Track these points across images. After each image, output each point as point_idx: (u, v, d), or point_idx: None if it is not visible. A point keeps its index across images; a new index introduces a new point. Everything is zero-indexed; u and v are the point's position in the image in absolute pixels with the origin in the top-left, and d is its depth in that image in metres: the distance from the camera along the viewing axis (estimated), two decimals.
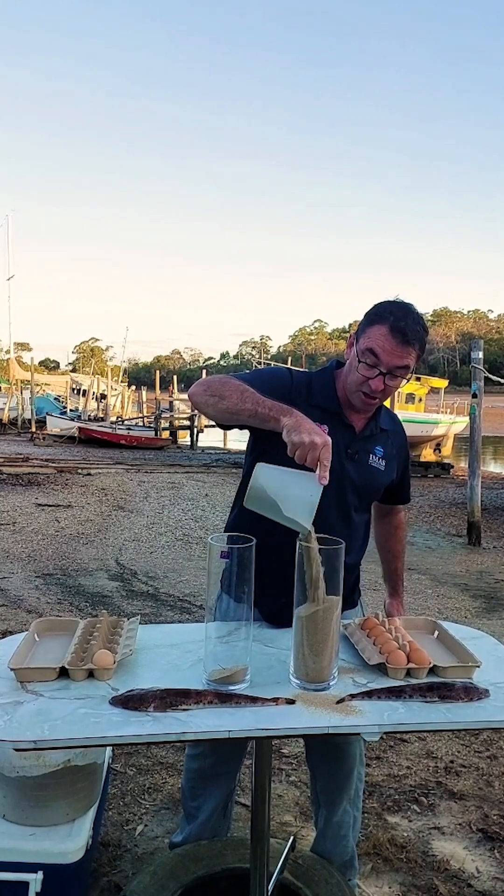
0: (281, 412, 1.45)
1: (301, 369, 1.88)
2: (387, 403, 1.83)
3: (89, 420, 26.48)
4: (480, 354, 8.72)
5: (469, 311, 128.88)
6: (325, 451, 1.37)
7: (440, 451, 22.37)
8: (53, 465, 14.74)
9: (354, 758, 1.88)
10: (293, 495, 1.34)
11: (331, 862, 1.86)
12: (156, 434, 24.25)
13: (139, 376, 76.12)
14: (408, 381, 1.70)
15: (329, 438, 1.39)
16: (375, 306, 1.68)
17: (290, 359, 28.53)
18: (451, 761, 2.87)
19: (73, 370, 65.89)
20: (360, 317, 1.72)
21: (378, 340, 1.61)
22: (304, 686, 1.30)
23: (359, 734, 1.21)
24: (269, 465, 1.38)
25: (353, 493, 1.74)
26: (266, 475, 1.36)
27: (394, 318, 1.61)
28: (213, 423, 1.71)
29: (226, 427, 1.65)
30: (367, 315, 1.68)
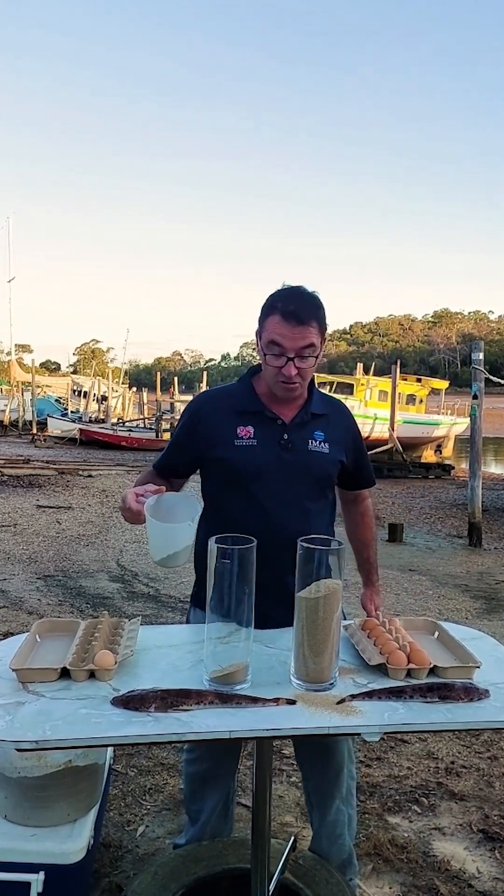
0: (123, 498, 1.62)
1: (221, 385, 1.96)
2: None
3: (90, 422, 26.46)
4: (481, 356, 8.73)
5: (470, 312, 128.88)
6: (127, 501, 1.59)
7: (441, 453, 22.37)
8: (54, 466, 14.74)
9: (343, 756, 1.88)
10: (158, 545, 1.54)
11: (329, 861, 1.86)
12: (157, 435, 24.22)
13: (140, 378, 76.11)
14: (317, 358, 1.71)
15: (127, 492, 1.60)
16: (267, 298, 1.72)
17: None
18: (452, 762, 2.87)
19: (74, 372, 65.98)
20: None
21: (275, 329, 1.66)
22: (305, 686, 1.30)
23: (359, 734, 1.21)
24: (151, 519, 1.51)
25: (299, 483, 1.75)
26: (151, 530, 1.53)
27: (282, 303, 1.66)
28: None
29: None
30: (261, 309, 1.72)
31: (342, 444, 1.84)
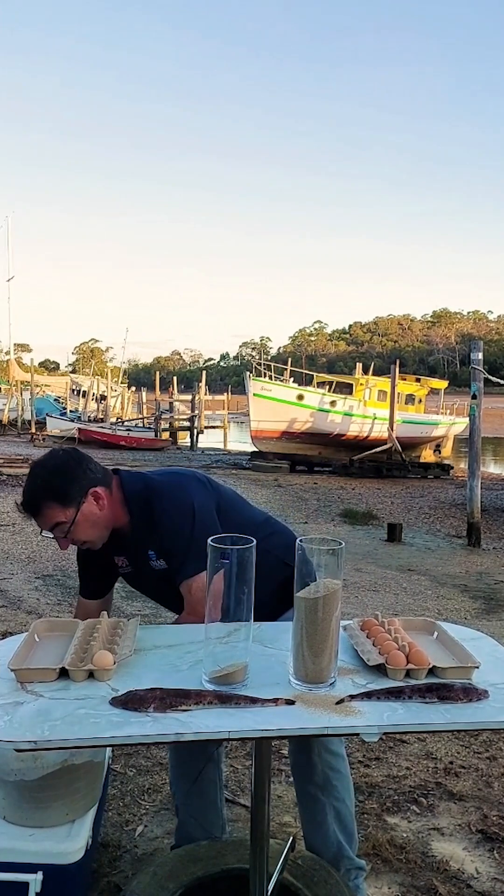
0: None
1: None
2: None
3: (89, 421, 26.49)
4: (480, 355, 8.74)
5: (469, 312, 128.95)
6: None
7: (440, 452, 22.41)
8: None
9: (310, 744, 1.85)
10: None
11: (320, 855, 1.86)
12: (156, 435, 24.25)
13: (139, 377, 76.19)
14: (75, 523, 1.75)
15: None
16: None
17: (289, 360, 28.49)
18: (451, 762, 2.87)
19: (73, 371, 65.87)
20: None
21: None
22: (304, 687, 1.30)
23: (357, 735, 1.21)
24: None
25: (165, 584, 1.85)
26: None
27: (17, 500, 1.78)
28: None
29: None
30: None
31: (160, 548, 1.82)
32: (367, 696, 1.27)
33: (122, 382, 37.24)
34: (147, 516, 1.81)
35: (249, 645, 1.32)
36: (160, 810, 2.45)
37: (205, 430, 26.19)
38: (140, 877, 1.77)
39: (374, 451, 17.78)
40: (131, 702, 1.21)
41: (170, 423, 26.24)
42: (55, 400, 31.96)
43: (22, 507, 1.76)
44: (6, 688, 1.28)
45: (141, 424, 26.84)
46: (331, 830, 1.90)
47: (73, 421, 25.69)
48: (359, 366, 27.15)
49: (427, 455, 21.50)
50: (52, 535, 1.76)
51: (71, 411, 29.21)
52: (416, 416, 21.84)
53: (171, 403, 28.35)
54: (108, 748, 2.12)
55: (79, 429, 23.18)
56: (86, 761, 1.86)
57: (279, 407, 19.34)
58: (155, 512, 1.79)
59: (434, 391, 24.82)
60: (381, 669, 1.37)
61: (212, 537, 1.30)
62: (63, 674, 1.31)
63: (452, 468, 18.04)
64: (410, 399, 22.12)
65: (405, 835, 2.35)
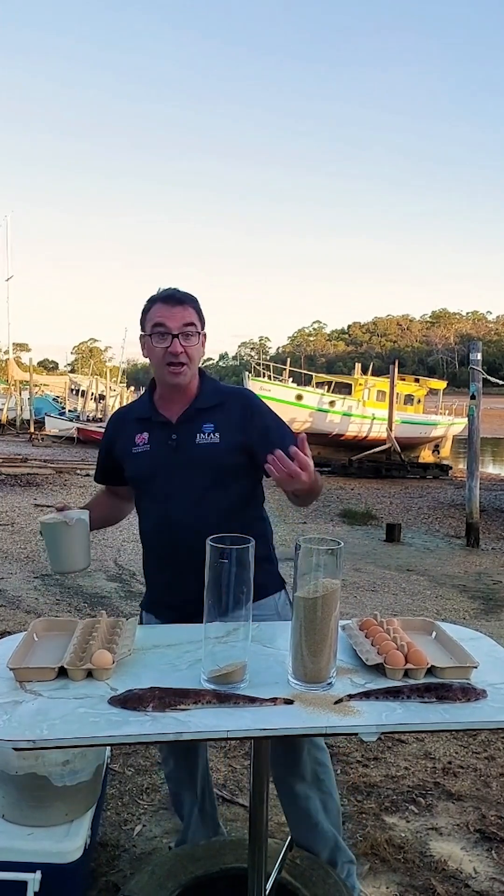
0: None
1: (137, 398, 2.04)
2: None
3: (88, 421, 26.45)
4: (479, 356, 8.75)
5: (468, 313, 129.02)
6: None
7: (439, 453, 22.40)
8: (52, 465, 14.74)
9: (300, 741, 1.84)
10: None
11: (316, 853, 1.86)
12: None
13: (138, 377, 76.07)
14: (201, 341, 1.82)
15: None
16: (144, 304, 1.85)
17: (288, 360, 28.48)
18: (449, 762, 2.87)
19: (72, 371, 65.95)
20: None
21: (157, 313, 1.78)
22: (303, 686, 1.30)
23: (356, 734, 1.21)
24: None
25: (193, 479, 1.79)
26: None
27: (160, 294, 1.82)
28: None
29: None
30: (141, 312, 1.84)
31: (240, 426, 1.83)
32: (366, 695, 1.27)
33: (120, 382, 37.21)
34: (225, 397, 1.87)
35: (248, 644, 1.32)
36: (158, 810, 2.46)
37: None
38: (138, 876, 1.77)
39: (372, 451, 17.78)
40: (130, 701, 1.21)
41: None
42: (54, 399, 31.94)
43: (175, 297, 1.79)
44: (5, 687, 1.28)
45: None
46: (325, 826, 1.89)
47: (71, 420, 25.66)
48: (358, 366, 27.15)
49: (426, 455, 21.50)
50: (175, 333, 1.76)
51: (70, 411, 29.18)
52: (415, 417, 21.84)
53: None
54: (106, 747, 2.12)
55: (77, 428, 23.15)
56: (87, 763, 1.86)
57: (278, 407, 19.22)
58: (241, 395, 1.91)
59: (433, 391, 24.82)
60: (379, 669, 1.37)
61: (212, 537, 1.30)
62: (62, 673, 1.31)
63: (451, 468, 18.05)
64: (409, 399, 22.12)
65: (403, 834, 2.36)
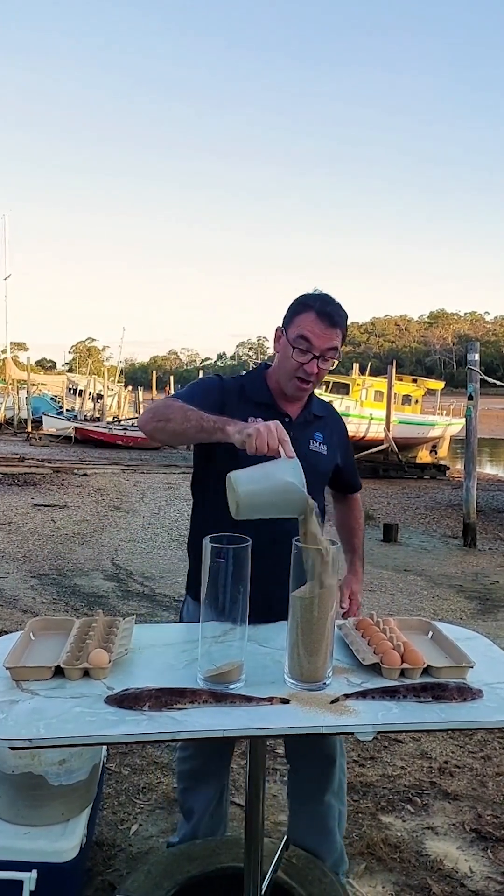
0: (225, 423, 1.51)
1: (234, 376, 1.96)
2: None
3: (85, 420, 26.41)
4: (477, 356, 8.76)
5: (466, 313, 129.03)
6: (278, 430, 1.42)
7: (436, 453, 22.43)
8: (49, 465, 14.72)
9: (334, 749, 1.88)
10: (279, 484, 1.36)
11: (322, 860, 1.87)
12: None
13: (136, 377, 76.11)
14: (336, 362, 1.80)
15: (275, 420, 1.45)
16: (298, 298, 1.77)
17: None
18: (446, 762, 2.88)
19: (70, 370, 65.78)
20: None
21: (308, 326, 1.70)
22: (299, 686, 1.30)
23: (352, 734, 1.21)
24: (239, 470, 1.39)
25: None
26: (245, 479, 1.36)
27: (318, 304, 1.72)
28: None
29: (174, 446, 1.76)
30: (292, 306, 1.76)
31: (338, 447, 1.92)
32: (362, 695, 1.27)
33: (118, 381, 37.16)
34: (327, 412, 1.93)
35: (245, 644, 1.32)
36: (155, 809, 2.46)
37: None
38: (135, 875, 1.77)
39: (370, 451, 17.77)
40: (126, 700, 1.21)
41: None
42: (52, 399, 31.88)
43: (332, 318, 1.71)
44: (1, 686, 1.28)
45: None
46: (337, 836, 1.93)
47: (69, 420, 25.61)
48: (356, 366, 27.13)
49: (423, 456, 21.51)
50: (318, 355, 1.71)
51: (67, 410, 29.12)
52: (413, 417, 21.86)
53: None
54: (103, 747, 2.12)
55: (75, 428, 23.12)
56: (83, 762, 1.86)
57: None
58: (338, 416, 1.99)
59: (431, 392, 24.86)
60: (376, 669, 1.37)
61: (210, 535, 1.30)
62: (58, 672, 1.31)
63: (449, 469, 18.06)
64: (407, 399, 22.14)
65: (399, 834, 2.36)
